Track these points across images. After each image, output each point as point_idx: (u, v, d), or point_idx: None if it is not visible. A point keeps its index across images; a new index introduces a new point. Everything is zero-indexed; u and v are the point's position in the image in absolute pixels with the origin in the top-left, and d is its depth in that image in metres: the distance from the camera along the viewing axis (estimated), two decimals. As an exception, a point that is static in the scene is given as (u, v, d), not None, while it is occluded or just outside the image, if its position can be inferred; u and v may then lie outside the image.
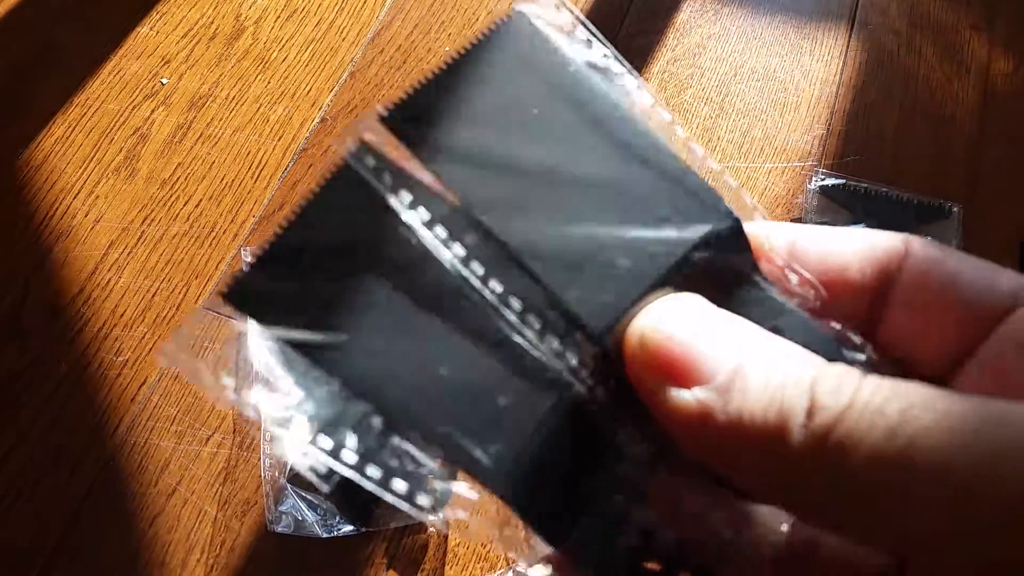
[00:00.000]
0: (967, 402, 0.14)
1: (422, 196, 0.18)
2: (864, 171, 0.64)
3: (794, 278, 0.19)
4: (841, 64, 0.71)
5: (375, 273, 0.18)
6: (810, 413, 0.15)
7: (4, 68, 0.65)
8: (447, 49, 0.68)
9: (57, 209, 0.59)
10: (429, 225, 0.18)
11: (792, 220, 0.62)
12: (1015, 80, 0.71)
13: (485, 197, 0.18)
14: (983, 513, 0.14)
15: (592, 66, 0.20)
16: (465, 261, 0.18)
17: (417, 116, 0.18)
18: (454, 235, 0.18)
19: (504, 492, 0.17)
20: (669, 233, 0.18)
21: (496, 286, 0.18)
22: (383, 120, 0.18)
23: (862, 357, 0.19)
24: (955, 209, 0.62)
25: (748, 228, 0.19)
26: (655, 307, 0.17)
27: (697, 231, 0.18)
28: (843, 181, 0.62)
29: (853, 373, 0.16)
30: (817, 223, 0.60)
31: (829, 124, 0.67)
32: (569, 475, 0.18)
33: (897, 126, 0.68)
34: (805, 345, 0.17)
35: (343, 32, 0.69)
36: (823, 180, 0.62)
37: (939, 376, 0.19)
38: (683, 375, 0.16)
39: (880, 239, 0.19)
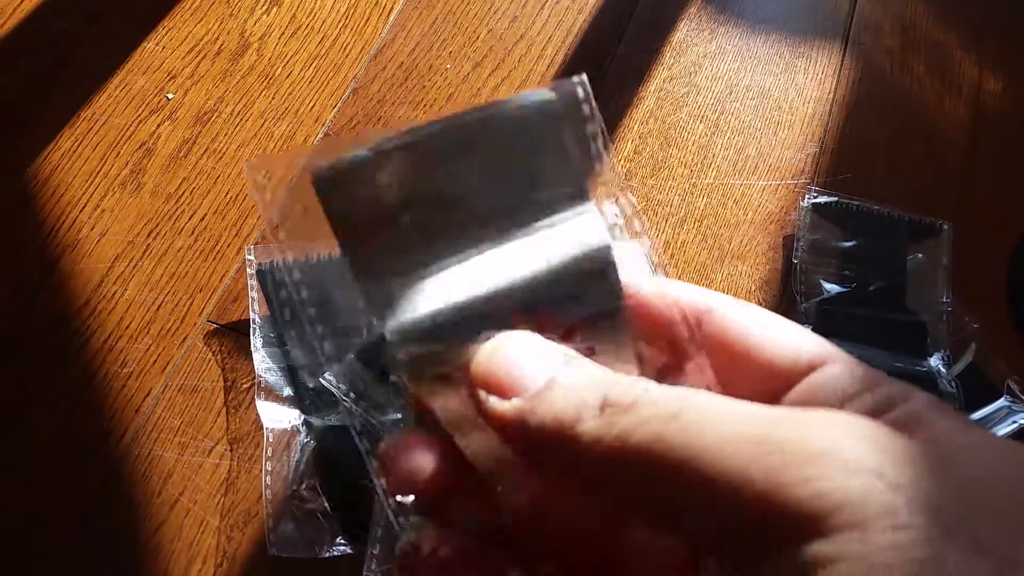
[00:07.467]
0: (738, 403, 0.18)
1: None
2: (857, 189, 0.65)
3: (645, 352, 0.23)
4: (835, 82, 0.72)
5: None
6: (602, 407, 0.19)
7: (13, 83, 0.66)
8: (447, 67, 0.70)
9: (64, 222, 0.60)
10: None
11: (785, 237, 0.63)
12: (1004, 99, 0.72)
13: None
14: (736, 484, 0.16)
15: None
16: None
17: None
18: None
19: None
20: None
21: None
22: None
23: None
24: (945, 227, 0.63)
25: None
26: (491, 341, 0.21)
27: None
28: (836, 199, 0.63)
29: (644, 381, 0.19)
30: (809, 240, 0.61)
31: (822, 142, 0.68)
32: None
33: (889, 144, 0.69)
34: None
35: (346, 49, 0.70)
36: (816, 198, 0.63)
37: None
38: (505, 390, 0.20)
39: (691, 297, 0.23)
